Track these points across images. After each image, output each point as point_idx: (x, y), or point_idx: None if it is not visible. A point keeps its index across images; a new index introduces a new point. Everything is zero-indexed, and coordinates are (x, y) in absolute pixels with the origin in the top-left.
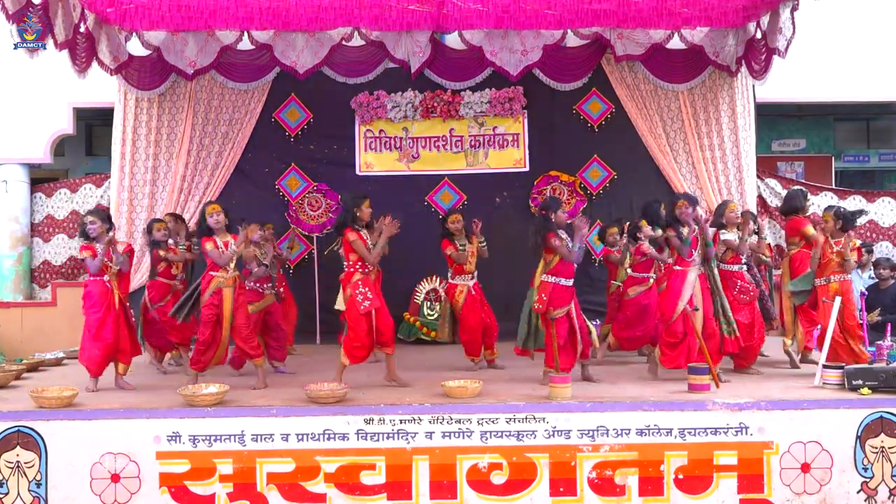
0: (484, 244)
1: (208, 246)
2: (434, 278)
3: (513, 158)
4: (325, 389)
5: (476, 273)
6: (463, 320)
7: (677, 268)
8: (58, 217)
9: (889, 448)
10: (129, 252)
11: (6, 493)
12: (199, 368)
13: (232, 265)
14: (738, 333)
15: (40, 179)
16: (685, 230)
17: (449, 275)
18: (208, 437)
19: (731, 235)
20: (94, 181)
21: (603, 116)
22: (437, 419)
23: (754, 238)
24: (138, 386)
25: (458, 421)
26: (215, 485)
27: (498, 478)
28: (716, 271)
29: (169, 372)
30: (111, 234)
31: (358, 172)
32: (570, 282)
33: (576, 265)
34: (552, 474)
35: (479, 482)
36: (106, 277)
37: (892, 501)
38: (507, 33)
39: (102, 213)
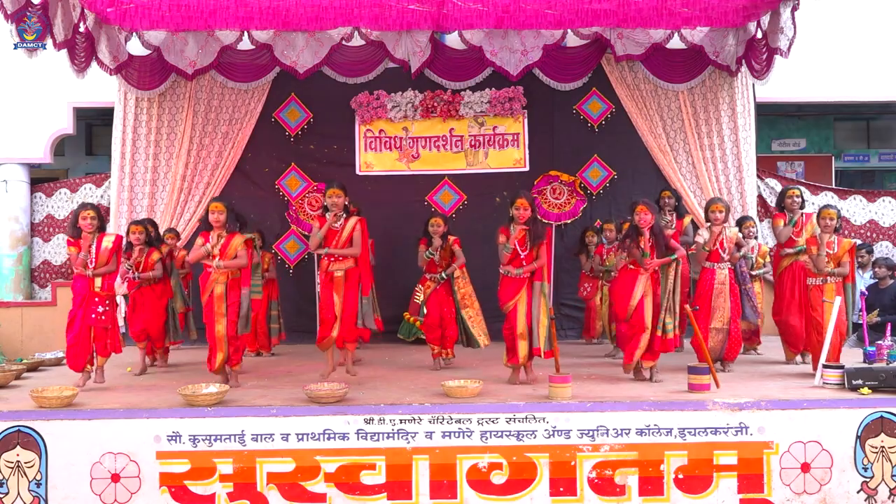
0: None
1: (198, 241)
2: None
3: (513, 158)
4: (325, 389)
5: (448, 275)
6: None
7: (630, 267)
8: (58, 217)
9: (889, 448)
10: (118, 242)
11: (6, 493)
12: (210, 368)
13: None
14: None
15: (40, 179)
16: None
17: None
18: (208, 437)
19: (701, 236)
20: (94, 181)
21: (603, 116)
22: (437, 419)
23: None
24: (139, 386)
25: (458, 421)
26: (215, 485)
27: (498, 478)
28: (677, 274)
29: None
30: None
31: (358, 172)
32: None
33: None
34: (552, 474)
35: (479, 482)
36: (88, 272)
37: (892, 501)
38: (507, 33)
39: (98, 209)
